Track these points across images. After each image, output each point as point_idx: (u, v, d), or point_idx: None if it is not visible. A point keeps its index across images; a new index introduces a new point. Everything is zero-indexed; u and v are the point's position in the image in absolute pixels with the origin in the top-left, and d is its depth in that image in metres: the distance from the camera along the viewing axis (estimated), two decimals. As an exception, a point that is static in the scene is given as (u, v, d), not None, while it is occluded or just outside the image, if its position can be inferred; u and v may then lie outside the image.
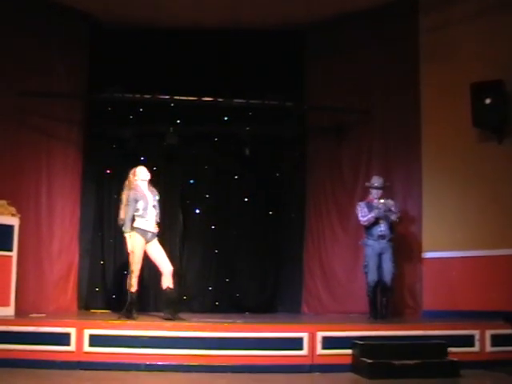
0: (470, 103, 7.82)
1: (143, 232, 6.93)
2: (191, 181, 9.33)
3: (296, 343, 6.28)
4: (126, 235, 6.91)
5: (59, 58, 8.71)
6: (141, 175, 7.15)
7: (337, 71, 9.13)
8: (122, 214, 7.02)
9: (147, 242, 6.95)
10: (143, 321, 6.74)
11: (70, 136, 8.88)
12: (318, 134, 9.36)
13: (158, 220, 7.09)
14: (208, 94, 8.77)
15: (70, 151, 8.86)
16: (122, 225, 6.97)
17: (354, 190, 8.95)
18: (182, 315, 6.99)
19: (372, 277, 7.62)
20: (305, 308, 9.17)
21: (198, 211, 9.25)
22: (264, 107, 8.90)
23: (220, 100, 8.78)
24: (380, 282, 7.60)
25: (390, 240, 7.70)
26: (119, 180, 8.98)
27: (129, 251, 6.90)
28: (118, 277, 8.87)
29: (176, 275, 8.51)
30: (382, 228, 7.66)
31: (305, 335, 6.31)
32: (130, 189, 7.00)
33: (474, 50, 8.02)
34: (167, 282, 6.92)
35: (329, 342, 6.31)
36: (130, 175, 7.14)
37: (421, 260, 8.25)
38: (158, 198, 7.13)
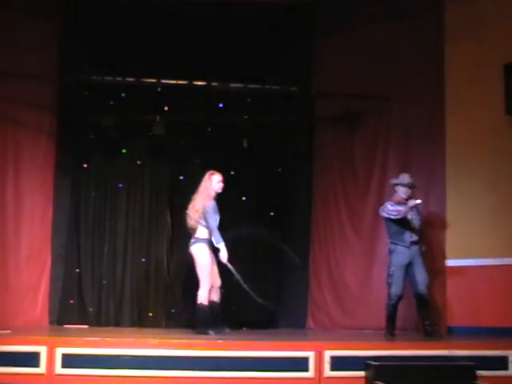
0: (503, 87, 7.79)
1: (208, 241, 7.39)
2: (181, 177, 9.30)
3: (301, 364, 6.23)
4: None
5: (27, 32, 8.62)
6: (217, 185, 7.50)
7: (350, 51, 9.14)
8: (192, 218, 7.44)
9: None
10: (124, 337, 6.73)
11: (40, 124, 8.85)
12: (327, 124, 9.37)
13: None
14: (201, 78, 8.82)
15: (40, 142, 8.83)
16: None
17: (367, 187, 8.97)
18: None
19: (396, 290, 7.57)
20: (311, 323, 9.22)
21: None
22: (265, 93, 8.93)
23: (214, 84, 8.83)
24: (416, 295, 7.59)
25: (420, 247, 7.71)
26: (97, 175, 9.18)
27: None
28: (97, 287, 8.95)
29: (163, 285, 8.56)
30: (415, 233, 7.64)
31: (311, 354, 6.25)
32: (209, 198, 7.40)
33: (508, 26, 7.97)
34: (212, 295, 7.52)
35: (338, 363, 6.25)
36: (208, 181, 7.49)
37: (444, 268, 8.23)
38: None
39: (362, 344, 6.57)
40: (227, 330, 7.33)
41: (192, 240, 7.42)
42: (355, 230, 9.03)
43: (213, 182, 7.48)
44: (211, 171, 7.58)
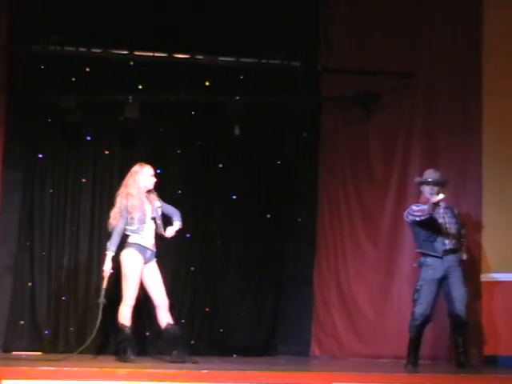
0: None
1: (142, 249, 7.40)
2: (158, 170, 8.93)
3: (304, 400, 6.24)
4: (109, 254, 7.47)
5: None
6: (145, 181, 7.56)
7: (364, 20, 9.17)
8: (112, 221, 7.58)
9: (146, 262, 7.46)
10: (87, 367, 6.59)
11: (-16, 106, 8.87)
12: (337, 107, 9.40)
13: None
14: (183, 49, 8.82)
15: (-17, 127, 8.84)
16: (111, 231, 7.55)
17: (386, 185, 9.01)
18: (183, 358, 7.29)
19: (423, 308, 7.49)
20: (316, 349, 9.24)
21: (166, 213, 9.09)
22: (261, 68, 8.94)
23: (200, 57, 8.84)
24: (451, 315, 7.54)
25: (458, 257, 7.63)
26: (55, 168, 9.16)
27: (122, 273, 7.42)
28: (54, 304, 8.87)
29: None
30: (450, 240, 7.56)
31: (316, 389, 6.26)
32: (125, 196, 7.49)
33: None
34: (165, 316, 7.42)
35: (349, 399, 6.30)
36: (130, 177, 7.58)
37: (480, 284, 8.20)
38: (158, 204, 7.62)
39: (377, 376, 6.44)
40: (187, 358, 7.30)
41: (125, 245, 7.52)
42: (370, 238, 9.04)
43: (143, 177, 7.55)
44: (141, 163, 7.63)
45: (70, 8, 8.81)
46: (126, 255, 7.37)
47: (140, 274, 7.37)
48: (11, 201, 8.91)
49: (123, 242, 7.46)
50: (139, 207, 7.41)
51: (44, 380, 6.03)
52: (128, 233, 7.42)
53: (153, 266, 7.46)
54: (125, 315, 7.33)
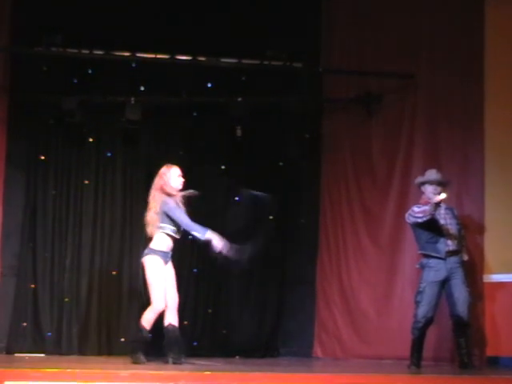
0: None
1: (164, 255, 7.35)
2: None
3: (306, 402, 6.21)
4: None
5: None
6: (174, 181, 7.41)
7: (366, 20, 9.17)
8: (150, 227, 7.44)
9: (165, 264, 7.41)
10: (90, 369, 6.66)
11: (-14, 107, 8.88)
12: (339, 108, 9.41)
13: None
14: (185, 51, 8.85)
15: (-13, 128, 8.84)
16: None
17: (388, 185, 8.99)
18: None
19: (425, 310, 7.48)
20: (318, 350, 9.25)
21: (169, 214, 9.09)
22: (263, 70, 9.00)
23: (202, 59, 8.88)
24: (453, 317, 7.53)
25: (460, 258, 7.62)
26: (58, 169, 9.17)
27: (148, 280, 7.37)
28: (56, 306, 8.90)
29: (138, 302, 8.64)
30: (452, 241, 7.53)
31: (318, 390, 6.22)
32: (166, 194, 7.36)
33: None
34: (171, 317, 7.37)
35: (352, 401, 6.24)
36: (159, 179, 7.45)
37: (482, 285, 8.15)
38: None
39: (380, 377, 6.43)
40: (183, 360, 7.25)
41: (146, 250, 7.37)
42: (372, 238, 9.03)
43: (171, 177, 7.40)
44: (168, 164, 7.49)
45: (72, 9, 8.82)
46: (150, 261, 7.27)
47: (164, 278, 7.28)
48: (14, 202, 8.96)
49: (146, 247, 7.34)
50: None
51: (46, 381, 5.91)
52: (167, 231, 7.23)
53: (169, 267, 7.39)
54: (148, 319, 7.26)
